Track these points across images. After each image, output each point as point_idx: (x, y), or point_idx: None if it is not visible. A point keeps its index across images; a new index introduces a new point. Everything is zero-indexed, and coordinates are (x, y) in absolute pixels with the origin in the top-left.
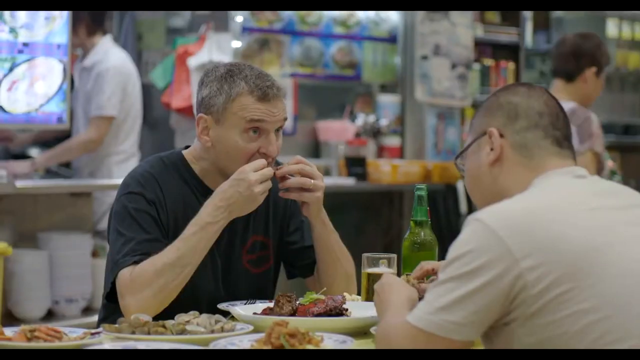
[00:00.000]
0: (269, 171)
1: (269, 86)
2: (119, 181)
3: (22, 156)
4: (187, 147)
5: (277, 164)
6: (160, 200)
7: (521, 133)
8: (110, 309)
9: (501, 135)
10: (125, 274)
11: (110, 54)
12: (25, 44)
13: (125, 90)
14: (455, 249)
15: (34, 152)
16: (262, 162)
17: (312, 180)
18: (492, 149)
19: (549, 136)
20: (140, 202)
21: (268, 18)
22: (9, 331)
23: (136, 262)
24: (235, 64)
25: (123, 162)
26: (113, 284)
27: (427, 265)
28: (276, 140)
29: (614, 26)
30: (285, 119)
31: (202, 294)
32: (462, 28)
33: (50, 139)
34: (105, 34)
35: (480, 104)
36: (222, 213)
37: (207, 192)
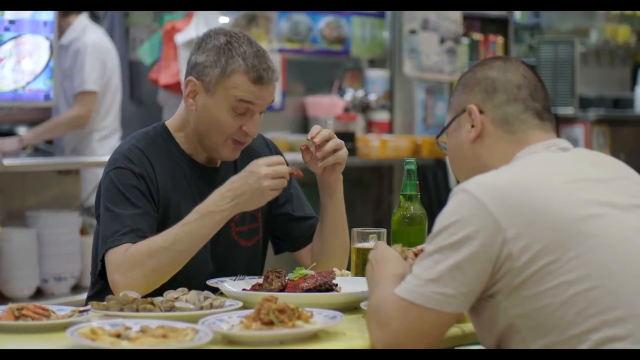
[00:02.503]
0: (282, 169)
1: (265, 69)
2: (105, 158)
3: (10, 134)
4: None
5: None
6: (149, 174)
7: (501, 108)
8: (100, 286)
9: (481, 112)
10: (118, 252)
11: (87, 31)
12: (11, 22)
13: (105, 65)
14: (442, 219)
15: (21, 130)
16: (278, 158)
17: (338, 140)
18: (473, 126)
19: (529, 109)
20: (129, 177)
21: None
22: None
23: (129, 241)
24: (235, 34)
25: (106, 138)
26: (103, 261)
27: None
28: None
29: None
30: (273, 100)
31: (191, 267)
32: None
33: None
34: (80, 12)
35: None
36: (227, 203)
37: (191, 163)
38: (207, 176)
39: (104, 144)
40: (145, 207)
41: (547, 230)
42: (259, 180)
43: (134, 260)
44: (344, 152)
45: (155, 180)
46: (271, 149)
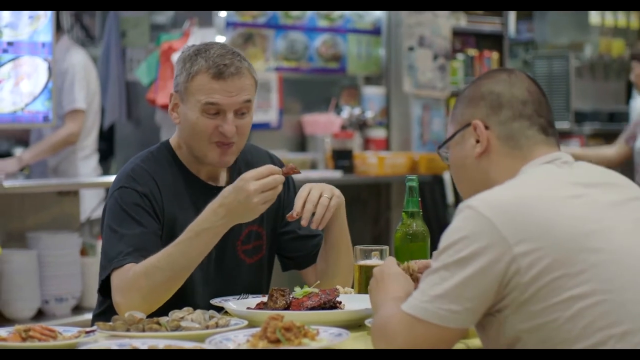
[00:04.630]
0: (271, 180)
1: (226, 64)
2: (105, 179)
3: (7, 155)
4: None
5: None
6: (153, 194)
7: (507, 124)
8: (107, 304)
9: (486, 127)
10: (121, 273)
11: (71, 51)
12: (9, 43)
13: (89, 85)
14: (448, 236)
15: (18, 151)
16: (267, 169)
17: (325, 197)
18: (478, 141)
19: (535, 124)
20: (133, 196)
21: (252, 12)
22: (2, 331)
23: (132, 261)
24: (208, 43)
25: (87, 158)
26: (104, 280)
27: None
28: (234, 120)
29: (597, 14)
30: (248, 100)
31: (195, 285)
32: (442, 19)
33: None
34: (62, 34)
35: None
36: (220, 219)
37: (195, 182)
38: (211, 195)
39: (86, 163)
40: (150, 226)
41: (553, 245)
42: (248, 198)
43: (132, 282)
44: (336, 199)
45: (161, 199)
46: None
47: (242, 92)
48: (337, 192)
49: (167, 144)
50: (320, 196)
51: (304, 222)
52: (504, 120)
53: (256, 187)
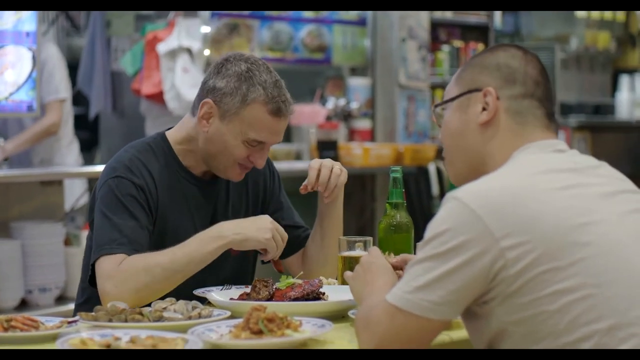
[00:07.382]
0: (285, 235)
1: (284, 101)
2: (89, 169)
3: None
4: (170, 128)
5: None
6: (149, 187)
7: (517, 100)
8: (89, 293)
9: (497, 98)
10: (112, 261)
11: (45, 44)
12: None
13: (66, 74)
14: (433, 227)
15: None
16: (284, 234)
17: (337, 167)
18: (484, 109)
19: (543, 107)
20: (129, 187)
21: None
22: None
23: (125, 252)
24: (254, 62)
25: (69, 145)
26: (93, 266)
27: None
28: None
29: None
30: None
31: None
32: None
33: None
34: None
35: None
36: (229, 232)
37: (189, 177)
38: (205, 189)
39: (69, 150)
40: (143, 220)
41: (541, 238)
42: (265, 223)
43: (129, 274)
44: (345, 173)
45: (156, 193)
46: (270, 167)
47: (284, 129)
48: (344, 169)
49: (164, 137)
50: (332, 167)
51: (322, 189)
52: (516, 95)
53: (277, 226)
